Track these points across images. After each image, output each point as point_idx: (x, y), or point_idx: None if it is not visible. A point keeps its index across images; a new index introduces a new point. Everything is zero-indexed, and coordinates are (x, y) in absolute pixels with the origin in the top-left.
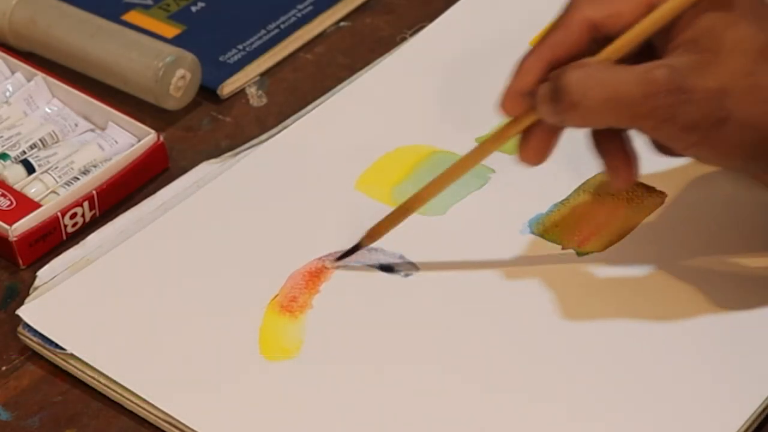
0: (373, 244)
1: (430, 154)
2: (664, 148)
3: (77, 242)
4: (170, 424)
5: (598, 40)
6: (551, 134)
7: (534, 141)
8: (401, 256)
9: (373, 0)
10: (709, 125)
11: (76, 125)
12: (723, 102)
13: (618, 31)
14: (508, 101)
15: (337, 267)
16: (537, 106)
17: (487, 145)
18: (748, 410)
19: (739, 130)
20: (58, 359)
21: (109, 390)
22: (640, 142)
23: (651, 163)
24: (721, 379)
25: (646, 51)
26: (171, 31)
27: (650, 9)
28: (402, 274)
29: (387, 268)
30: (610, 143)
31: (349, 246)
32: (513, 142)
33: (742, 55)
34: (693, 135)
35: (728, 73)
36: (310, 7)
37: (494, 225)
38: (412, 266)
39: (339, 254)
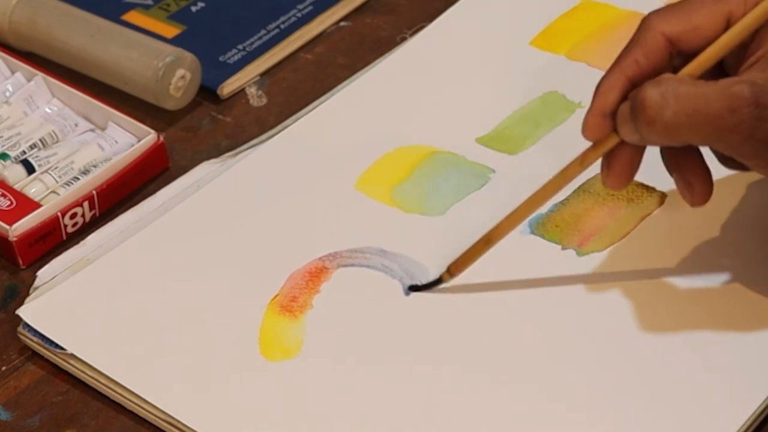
0: (375, 245)
1: (430, 154)
2: (733, 163)
3: (77, 242)
4: (170, 424)
5: (674, 56)
6: (634, 156)
7: (617, 164)
8: (402, 257)
9: (373, 0)
10: None
11: (76, 125)
12: None
13: (695, 47)
14: (589, 125)
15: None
16: (618, 127)
17: (569, 171)
18: (748, 410)
19: None
20: (58, 359)
21: (109, 390)
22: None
23: (651, 163)
24: (721, 379)
25: (716, 69)
26: (171, 31)
27: (727, 23)
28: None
29: (415, 288)
30: (684, 159)
31: (355, 246)
32: (517, 141)
33: None
34: None
35: None
36: (310, 7)
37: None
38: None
39: (416, 286)
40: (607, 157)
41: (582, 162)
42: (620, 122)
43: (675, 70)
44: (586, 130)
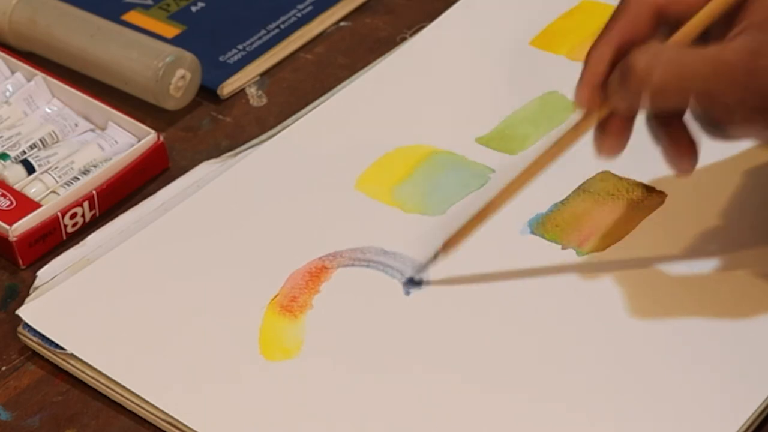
0: (375, 245)
1: (430, 154)
2: (717, 132)
3: (77, 242)
4: (170, 424)
5: (661, 25)
6: (626, 124)
7: (610, 133)
8: (402, 257)
9: (373, 0)
10: None
11: (76, 125)
12: None
13: (681, 16)
14: (581, 97)
15: (423, 281)
16: (609, 96)
17: (562, 142)
18: (748, 410)
19: None
20: (58, 359)
21: (109, 390)
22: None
23: (651, 163)
24: (721, 379)
25: (701, 41)
26: (171, 31)
27: None
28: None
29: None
30: (670, 129)
31: (355, 246)
32: (517, 141)
33: None
34: (763, 115)
35: None
36: (310, 7)
37: (494, 225)
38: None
39: (419, 266)
40: (599, 127)
41: (575, 131)
42: (611, 92)
43: (661, 41)
44: (578, 102)
